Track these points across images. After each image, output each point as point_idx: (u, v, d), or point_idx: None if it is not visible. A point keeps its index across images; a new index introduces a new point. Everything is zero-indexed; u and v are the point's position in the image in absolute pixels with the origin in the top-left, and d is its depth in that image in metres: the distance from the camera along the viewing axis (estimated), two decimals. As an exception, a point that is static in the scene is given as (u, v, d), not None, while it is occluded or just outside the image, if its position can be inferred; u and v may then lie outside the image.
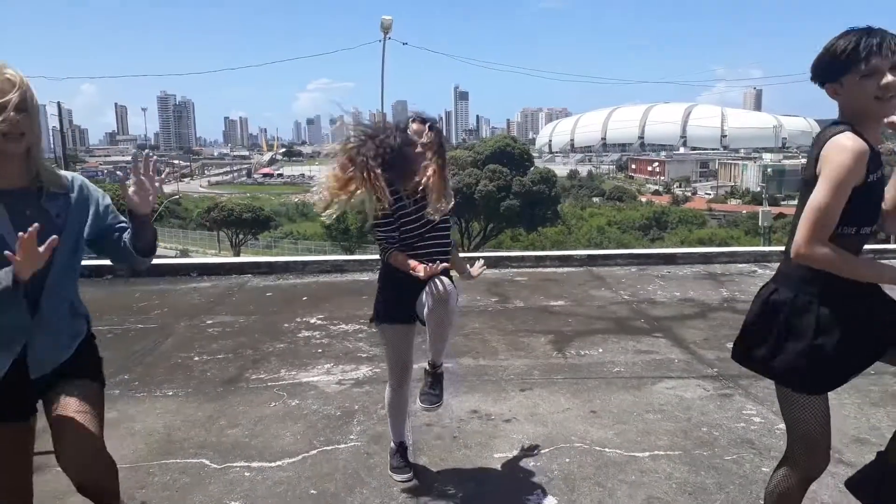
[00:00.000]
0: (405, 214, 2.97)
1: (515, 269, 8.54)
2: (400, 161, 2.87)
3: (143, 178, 2.08)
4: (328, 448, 3.75)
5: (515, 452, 3.63)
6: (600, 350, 5.37)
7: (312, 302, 7.10)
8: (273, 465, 3.57)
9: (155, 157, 2.25)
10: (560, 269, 8.51)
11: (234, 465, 3.58)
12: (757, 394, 4.40)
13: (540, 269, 8.55)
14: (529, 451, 3.64)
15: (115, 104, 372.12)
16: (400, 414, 3.37)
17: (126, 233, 2.21)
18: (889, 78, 1.92)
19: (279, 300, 7.27)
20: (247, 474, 3.48)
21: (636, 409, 4.19)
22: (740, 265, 8.59)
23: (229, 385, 4.79)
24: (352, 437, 3.89)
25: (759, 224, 28.12)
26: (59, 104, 52.87)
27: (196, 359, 5.38)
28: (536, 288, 7.61)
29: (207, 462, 3.61)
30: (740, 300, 6.90)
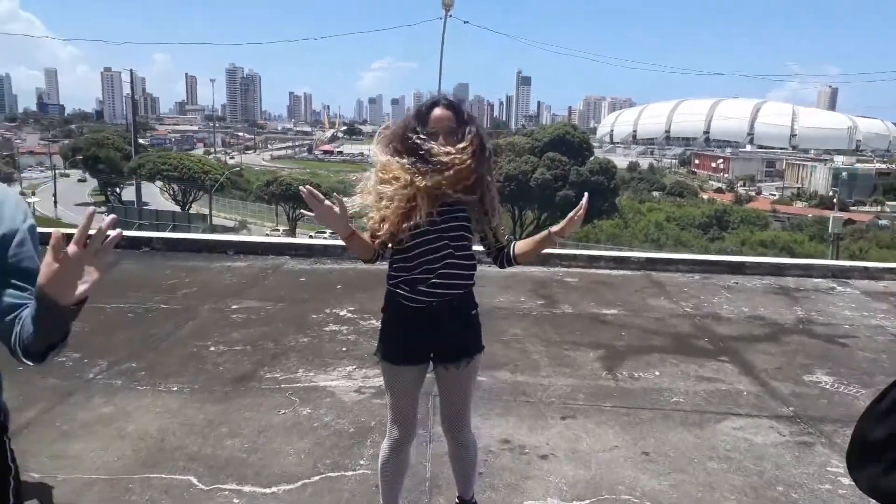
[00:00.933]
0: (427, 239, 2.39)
1: (565, 269, 7.92)
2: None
3: (78, 250, 1.19)
4: (334, 475, 3.26)
5: (551, 500, 3.08)
6: (657, 373, 4.74)
7: (346, 291, 6.63)
8: (267, 491, 3.10)
9: (113, 217, 1.22)
10: (615, 272, 7.85)
11: (224, 487, 3.12)
12: (844, 445, 3.73)
13: (593, 270, 7.90)
14: (566, 501, 3.07)
15: (186, 74, 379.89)
16: (396, 480, 2.65)
17: (26, 310, 1.34)
18: None
19: (312, 286, 6.82)
20: (235, 501, 3.01)
21: (697, 455, 3.57)
22: (816, 280, 7.78)
23: (240, 384, 4.34)
24: (362, 462, 3.39)
25: (829, 230, 26.57)
26: (131, 71, 53.91)
27: (212, 349, 4.96)
28: (588, 291, 6.99)
29: (195, 480, 3.16)
30: (818, 322, 6.15)
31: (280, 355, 4.87)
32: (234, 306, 6.03)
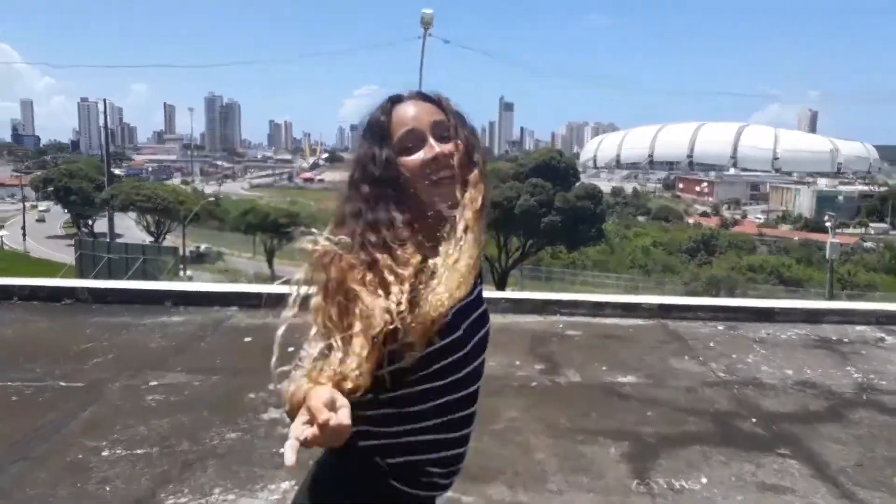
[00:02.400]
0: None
1: (567, 318, 6.71)
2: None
3: None
4: None
5: None
6: (703, 480, 3.51)
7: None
8: None
9: None
10: (624, 321, 6.65)
11: None
12: None
13: (599, 320, 6.69)
14: None
15: (164, 104, 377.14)
16: None
17: None
18: None
19: (257, 351, 5.56)
20: None
21: None
22: (859, 328, 6.62)
23: (128, 516, 3.09)
24: None
25: (827, 256, 25.61)
26: (105, 101, 52.72)
27: (105, 453, 3.69)
28: (595, 349, 5.79)
29: None
30: (883, 389, 4.98)
31: (194, 464, 3.60)
32: (152, 383, 4.76)
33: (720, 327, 6.52)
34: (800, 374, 5.28)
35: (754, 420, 4.36)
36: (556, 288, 35.97)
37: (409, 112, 1.38)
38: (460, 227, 1.32)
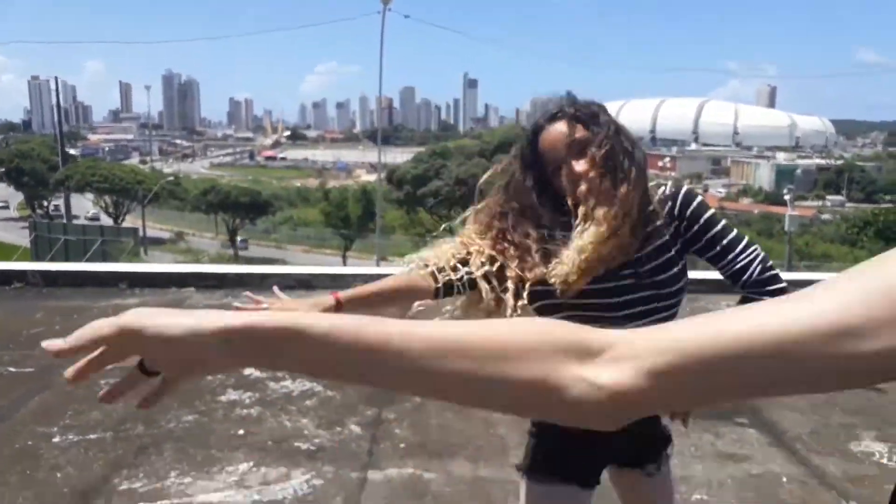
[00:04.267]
0: None
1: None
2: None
3: None
4: None
5: None
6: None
7: (258, 337, 5.30)
8: None
9: None
10: (586, 296, 6.68)
11: None
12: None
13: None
14: None
15: (120, 82, 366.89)
16: None
17: None
18: None
19: (215, 332, 5.47)
20: None
21: None
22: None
23: (80, 502, 3.00)
24: None
25: (786, 228, 26.12)
26: (56, 79, 51.27)
27: (56, 440, 3.59)
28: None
29: None
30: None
31: (149, 447, 3.52)
32: (106, 367, 4.64)
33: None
34: (758, 344, 5.36)
35: (713, 390, 4.41)
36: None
37: (549, 136, 1.56)
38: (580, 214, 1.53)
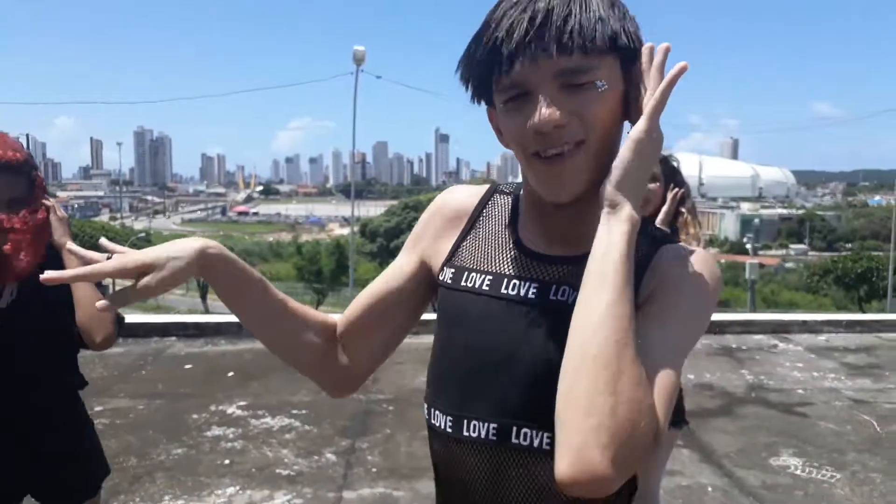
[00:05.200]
0: None
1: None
2: None
3: None
4: None
5: None
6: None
7: (238, 380, 5.67)
8: None
9: None
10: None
11: None
12: (838, 558, 3.06)
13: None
14: None
15: (91, 138, 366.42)
16: None
17: None
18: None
19: (198, 377, 5.83)
20: None
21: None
22: (757, 336, 7.30)
23: (83, 523, 3.34)
24: None
25: (746, 276, 27.00)
26: (28, 136, 51.40)
27: (56, 472, 3.93)
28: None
29: None
30: (769, 388, 5.59)
31: (144, 476, 3.88)
32: (97, 408, 4.98)
33: (633, 340, 7.09)
34: (700, 377, 5.86)
35: (655, 418, 4.88)
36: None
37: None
38: None
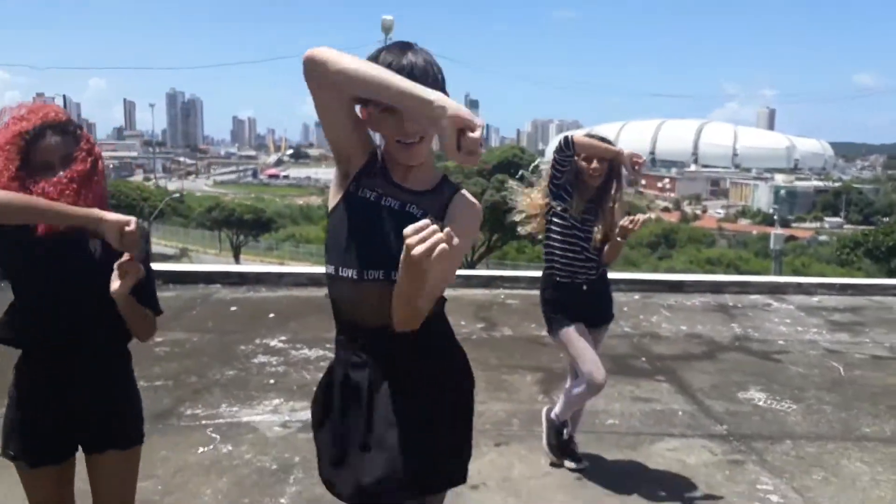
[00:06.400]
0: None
1: (507, 291, 7.85)
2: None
3: None
4: (250, 516, 3.07)
5: (477, 535, 2.94)
6: (592, 395, 4.66)
7: (278, 320, 6.42)
8: (177, 538, 2.90)
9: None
10: (556, 293, 7.79)
11: (130, 535, 2.90)
12: (774, 462, 3.71)
13: (534, 292, 7.79)
14: (495, 532, 2.95)
15: (124, 99, 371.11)
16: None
17: None
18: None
19: (243, 316, 6.59)
20: (142, 550, 2.80)
21: (630, 477, 3.50)
22: (753, 296, 7.87)
23: (158, 422, 4.10)
24: (283, 500, 3.21)
25: (771, 247, 27.26)
26: (64, 97, 52.73)
27: (130, 385, 4.70)
28: (528, 314, 6.91)
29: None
30: (753, 338, 6.19)
31: (203, 390, 4.64)
32: (158, 339, 5.72)
33: (636, 297, 7.70)
34: (692, 329, 6.48)
35: (644, 360, 5.54)
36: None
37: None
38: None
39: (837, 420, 4.37)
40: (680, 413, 4.42)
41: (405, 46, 1.61)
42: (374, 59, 1.58)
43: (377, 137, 1.69)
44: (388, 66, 1.53)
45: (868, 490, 3.43)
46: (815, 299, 7.86)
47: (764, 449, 3.88)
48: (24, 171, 1.80)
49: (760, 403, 4.62)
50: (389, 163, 1.66)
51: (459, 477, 1.73)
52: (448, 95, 1.55)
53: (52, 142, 1.82)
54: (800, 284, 8.24)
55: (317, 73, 1.48)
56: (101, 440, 1.99)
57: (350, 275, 1.61)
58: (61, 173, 1.82)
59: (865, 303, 7.79)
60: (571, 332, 3.30)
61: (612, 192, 3.39)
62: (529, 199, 3.48)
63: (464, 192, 1.69)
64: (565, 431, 3.53)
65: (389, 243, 1.55)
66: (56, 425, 1.94)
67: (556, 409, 3.55)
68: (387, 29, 16.27)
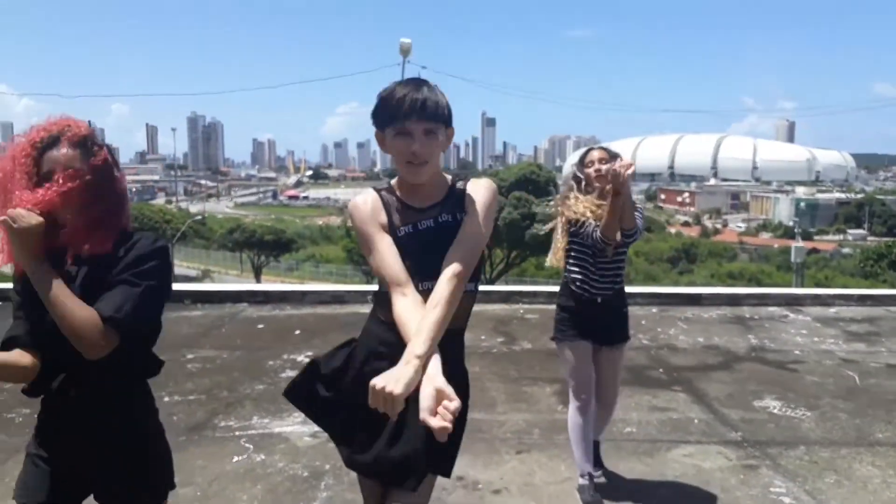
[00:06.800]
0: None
1: (526, 305, 8.00)
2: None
3: None
4: (285, 520, 3.25)
5: (500, 535, 3.09)
6: (611, 405, 4.80)
7: (304, 337, 6.62)
8: (217, 539, 3.08)
9: None
10: (574, 307, 7.93)
11: (173, 537, 3.08)
12: (787, 466, 3.82)
13: (552, 307, 7.96)
14: (517, 533, 3.10)
15: (146, 124, 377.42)
16: (587, 440, 3.38)
17: None
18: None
19: (269, 333, 6.81)
20: (184, 551, 2.99)
21: (647, 483, 3.63)
22: (770, 308, 7.95)
23: (194, 433, 4.31)
24: (315, 504, 3.39)
25: (792, 260, 27.16)
26: (90, 122, 53.66)
27: (166, 399, 4.90)
28: (546, 328, 6.99)
29: (143, 532, 3.12)
30: (769, 349, 6.29)
31: (235, 403, 4.84)
32: (189, 356, 5.98)
33: (654, 310, 7.82)
34: (709, 340, 6.59)
35: (661, 370, 5.66)
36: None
37: (592, 154, 3.36)
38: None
39: (851, 426, 4.47)
40: (696, 421, 4.54)
41: (420, 83, 1.88)
42: (391, 91, 1.86)
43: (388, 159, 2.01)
44: (403, 98, 1.81)
45: (879, 492, 3.53)
46: (832, 310, 7.93)
47: (778, 454, 3.99)
48: (35, 179, 1.74)
49: (775, 411, 4.73)
50: (402, 189, 1.95)
51: (446, 469, 2.05)
52: (453, 129, 1.93)
53: (59, 153, 1.75)
54: (817, 296, 8.31)
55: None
56: (111, 497, 1.87)
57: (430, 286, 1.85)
58: (44, 187, 1.71)
59: (883, 313, 7.85)
60: (568, 350, 3.42)
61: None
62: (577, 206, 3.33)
63: (470, 182, 2.00)
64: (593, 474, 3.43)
65: (436, 258, 1.85)
66: (62, 471, 1.84)
67: (578, 466, 3.43)
68: (405, 52, 16.60)
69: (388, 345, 1.88)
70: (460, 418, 1.88)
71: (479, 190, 1.95)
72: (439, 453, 1.88)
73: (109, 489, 1.86)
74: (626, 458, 3.95)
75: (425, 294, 1.82)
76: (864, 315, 7.72)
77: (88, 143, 1.79)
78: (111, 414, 1.82)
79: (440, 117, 1.85)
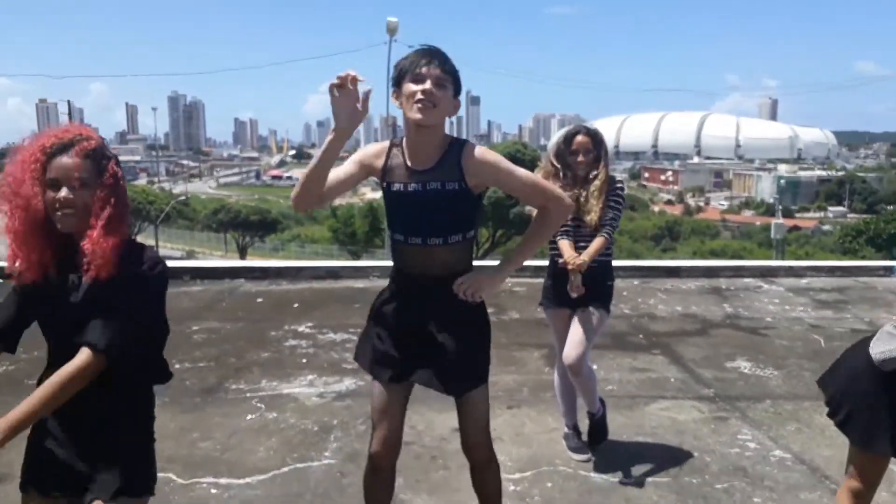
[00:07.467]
0: None
1: (514, 279, 8.35)
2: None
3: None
4: (301, 465, 3.60)
5: (495, 476, 3.45)
6: (594, 367, 5.14)
7: (303, 309, 6.94)
8: (241, 482, 3.42)
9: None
10: (560, 280, 8.30)
11: (202, 480, 3.43)
12: (754, 417, 4.21)
13: (539, 280, 8.31)
14: (511, 473, 3.46)
15: (126, 104, 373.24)
16: (569, 397, 3.78)
17: None
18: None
19: (269, 307, 7.11)
20: (213, 491, 3.33)
21: (626, 432, 4.01)
22: (746, 280, 8.36)
23: (207, 395, 4.63)
24: (327, 454, 3.73)
25: (772, 236, 27.74)
26: (69, 102, 53.17)
27: (177, 366, 5.21)
28: (534, 299, 7.36)
29: (174, 476, 3.46)
30: (743, 317, 6.69)
31: (243, 369, 5.17)
32: (194, 327, 6.28)
33: (635, 282, 8.20)
34: (686, 309, 6.98)
35: (641, 336, 6.04)
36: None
37: (578, 139, 3.51)
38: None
39: (815, 384, 4.85)
40: (672, 380, 4.92)
41: (434, 51, 2.21)
42: (406, 59, 2.20)
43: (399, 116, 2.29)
44: (419, 52, 2.19)
45: (835, 437, 3.89)
46: (804, 281, 8.35)
47: (746, 407, 4.38)
48: (42, 184, 1.76)
49: (746, 371, 5.12)
50: (408, 146, 2.26)
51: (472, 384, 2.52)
52: (459, 101, 2.26)
53: (65, 161, 1.74)
54: (790, 268, 8.73)
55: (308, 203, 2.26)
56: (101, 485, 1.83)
57: (418, 241, 2.28)
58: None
59: (851, 283, 8.28)
60: (549, 317, 3.79)
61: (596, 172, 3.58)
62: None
63: (476, 150, 2.26)
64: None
65: (427, 217, 2.25)
66: (66, 458, 1.84)
67: (564, 418, 3.84)
68: (392, 31, 16.77)
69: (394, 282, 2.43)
70: (484, 337, 2.46)
71: (488, 156, 2.26)
72: (469, 364, 2.43)
73: (94, 480, 1.83)
74: (607, 412, 4.31)
75: (416, 248, 2.28)
76: (833, 285, 8.14)
77: (98, 154, 1.80)
78: (111, 413, 1.84)
79: (451, 72, 2.18)
